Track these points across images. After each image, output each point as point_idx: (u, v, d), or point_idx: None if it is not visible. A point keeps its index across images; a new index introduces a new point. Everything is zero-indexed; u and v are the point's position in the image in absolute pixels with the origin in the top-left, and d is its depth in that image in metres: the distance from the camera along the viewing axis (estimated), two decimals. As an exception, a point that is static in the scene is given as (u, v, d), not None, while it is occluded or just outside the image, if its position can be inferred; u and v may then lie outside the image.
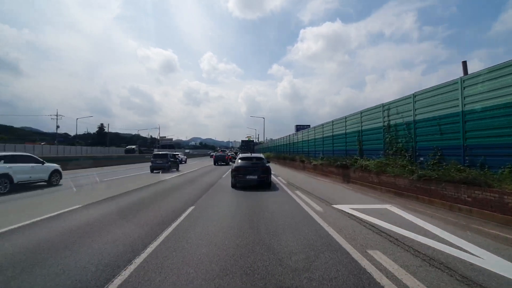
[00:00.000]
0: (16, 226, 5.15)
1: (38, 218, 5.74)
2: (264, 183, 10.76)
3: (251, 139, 52.23)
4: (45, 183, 11.49)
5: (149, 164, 20.13)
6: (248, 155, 13.05)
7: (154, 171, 18.95)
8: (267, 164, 11.51)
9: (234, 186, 10.91)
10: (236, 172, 10.78)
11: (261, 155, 12.84)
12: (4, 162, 9.75)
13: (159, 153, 21.52)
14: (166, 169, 19.40)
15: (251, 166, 10.95)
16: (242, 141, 52.73)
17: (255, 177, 10.56)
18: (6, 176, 9.63)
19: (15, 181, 9.94)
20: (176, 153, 29.00)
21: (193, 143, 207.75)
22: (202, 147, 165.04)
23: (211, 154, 39.15)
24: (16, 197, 8.77)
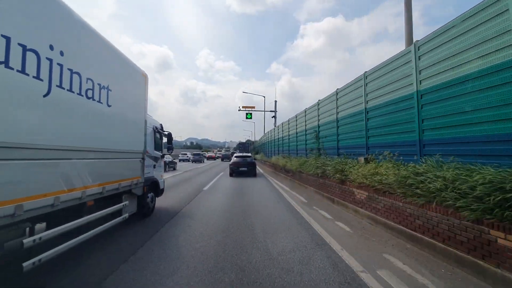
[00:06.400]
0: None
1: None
2: (251, 173, 15.39)
3: (248, 140, 61.62)
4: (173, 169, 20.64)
5: None
6: (241, 154, 18.88)
7: (193, 162, 35.35)
8: (253, 160, 16.39)
9: (231, 175, 15.22)
10: (232, 165, 15.53)
11: (250, 154, 18.95)
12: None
13: (196, 153, 40.18)
14: (200, 161, 36.08)
15: (242, 161, 15.69)
16: (239, 142, 62.42)
17: (245, 168, 15.29)
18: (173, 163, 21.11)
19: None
20: (203, 153, 48.85)
21: (184, 143, 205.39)
22: (194, 147, 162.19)
23: (210, 155, 51.53)
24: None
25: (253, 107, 29.94)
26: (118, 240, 4.09)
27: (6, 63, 2.16)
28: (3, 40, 2.14)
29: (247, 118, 29.30)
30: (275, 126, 24.23)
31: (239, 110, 29.75)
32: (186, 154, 40.46)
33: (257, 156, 32.06)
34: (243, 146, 50.41)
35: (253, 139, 58.56)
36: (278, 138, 19.25)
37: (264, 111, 30.48)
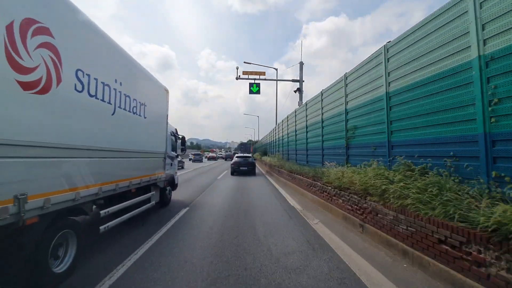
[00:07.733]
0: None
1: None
2: (251, 172, 16.77)
3: (249, 140, 62.18)
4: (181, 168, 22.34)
5: None
6: (242, 154, 20.90)
7: (193, 162, 37.75)
8: (253, 160, 18.22)
9: (232, 174, 16.61)
10: (233, 165, 16.93)
11: (250, 155, 20.97)
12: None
13: (196, 153, 44.34)
14: (200, 161, 39.40)
15: (243, 161, 16.99)
16: (240, 142, 66.47)
17: (246, 168, 16.62)
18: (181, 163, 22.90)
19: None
20: (204, 153, 53.51)
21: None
22: (193, 147, 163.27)
23: (211, 156, 51.64)
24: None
25: (263, 73, 18.03)
26: (149, 220, 5.29)
27: (95, 95, 3.36)
28: (94, 81, 3.33)
29: (252, 92, 18.48)
30: (299, 105, 14.91)
31: (237, 79, 17.95)
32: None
33: (268, 160, 20.19)
34: (244, 147, 52.10)
35: (255, 139, 58.53)
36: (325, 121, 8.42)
37: (277, 79, 19.74)
